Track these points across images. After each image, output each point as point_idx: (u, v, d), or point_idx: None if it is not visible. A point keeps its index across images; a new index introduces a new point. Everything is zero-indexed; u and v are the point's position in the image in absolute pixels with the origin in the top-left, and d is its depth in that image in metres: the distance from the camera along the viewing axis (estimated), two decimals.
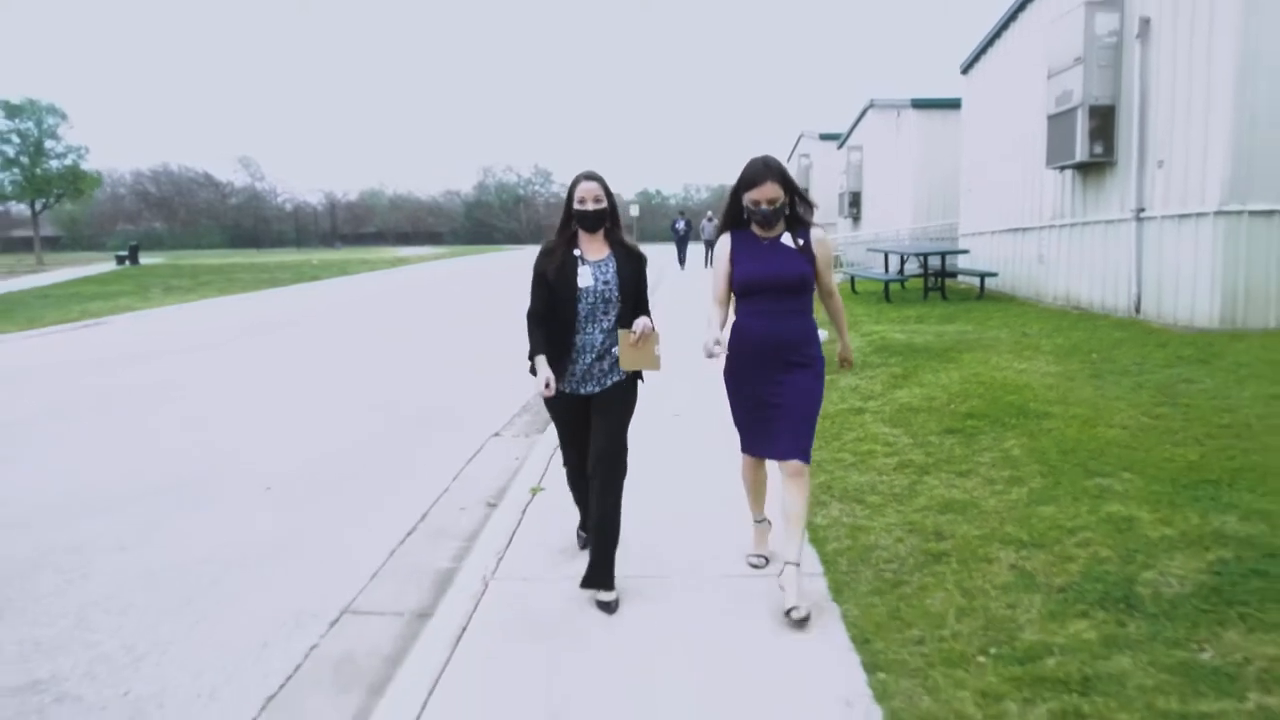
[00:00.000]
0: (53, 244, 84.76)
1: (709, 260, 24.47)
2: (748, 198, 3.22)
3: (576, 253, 3.38)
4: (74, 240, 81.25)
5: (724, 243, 3.38)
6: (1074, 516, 3.85)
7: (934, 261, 13.93)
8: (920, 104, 19.26)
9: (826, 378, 3.42)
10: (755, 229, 3.30)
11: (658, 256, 28.70)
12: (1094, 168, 10.94)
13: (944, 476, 4.60)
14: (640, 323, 3.27)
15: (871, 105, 23.00)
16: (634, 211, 59.62)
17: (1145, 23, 9.87)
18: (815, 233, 3.35)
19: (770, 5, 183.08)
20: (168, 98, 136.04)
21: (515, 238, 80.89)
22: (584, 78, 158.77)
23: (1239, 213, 8.63)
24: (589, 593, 3.35)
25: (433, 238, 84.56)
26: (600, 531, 3.32)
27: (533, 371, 3.43)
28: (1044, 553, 3.53)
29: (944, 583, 3.35)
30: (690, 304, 14.30)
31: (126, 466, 5.80)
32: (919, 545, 3.72)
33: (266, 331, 13.90)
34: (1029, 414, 5.59)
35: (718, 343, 3.16)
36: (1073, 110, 10.66)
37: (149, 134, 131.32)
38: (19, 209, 76.03)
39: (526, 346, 3.44)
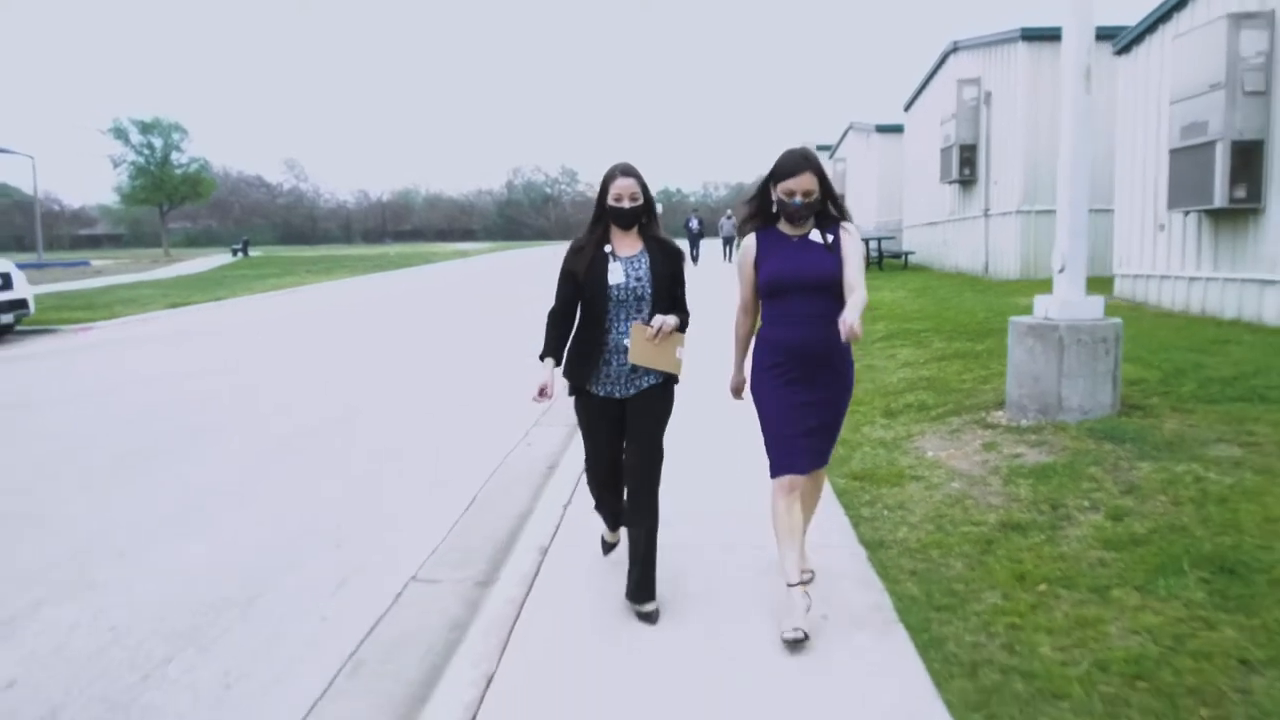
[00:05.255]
0: (117, 241, 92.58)
1: (728, 255, 28.42)
2: (781, 188, 3.04)
3: (608, 249, 3.23)
4: (135, 237, 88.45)
5: (749, 244, 3.20)
6: None
7: (872, 244, 20.14)
8: (882, 128, 25.35)
9: None
10: (783, 226, 3.13)
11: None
12: (966, 183, 17.08)
13: None
14: (660, 318, 3.12)
15: (851, 127, 29.13)
16: (658, 209, 65.92)
17: (989, 94, 16.04)
18: (845, 230, 3.12)
19: (790, 12, 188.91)
20: (207, 102, 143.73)
21: (544, 235, 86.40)
22: (608, 79, 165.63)
23: (1030, 211, 14.78)
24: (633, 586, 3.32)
25: (467, 234, 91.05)
26: (638, 544, 3.27)
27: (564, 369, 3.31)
28: None
29: None
30: (707, 295, 20.42)
31: (435, 336, 12.10)
32: None
33: (426, 294, 20.25)
34: (868, 309, 11.79)
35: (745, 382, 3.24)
36: (951, 147, 16.82)
37: (195, 136, 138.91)
38: (73, 208, 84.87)
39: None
